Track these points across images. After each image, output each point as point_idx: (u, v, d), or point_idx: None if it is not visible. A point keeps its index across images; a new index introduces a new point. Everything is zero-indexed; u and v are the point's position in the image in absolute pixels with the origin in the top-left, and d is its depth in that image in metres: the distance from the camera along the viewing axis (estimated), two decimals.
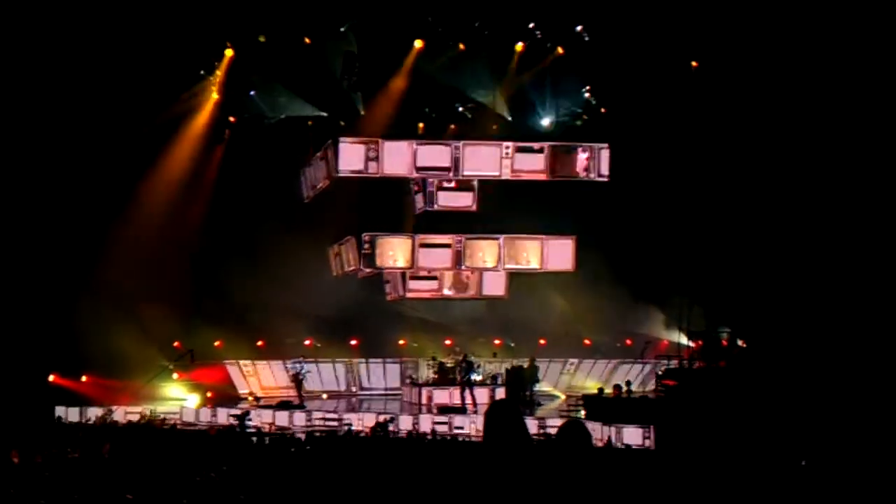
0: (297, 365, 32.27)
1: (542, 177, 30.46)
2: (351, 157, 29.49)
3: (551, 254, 31.49)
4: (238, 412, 27.71)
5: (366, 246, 30.11)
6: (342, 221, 32.57)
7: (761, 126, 29.18)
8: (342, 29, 29.99)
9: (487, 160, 30.08)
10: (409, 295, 32.28)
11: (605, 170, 30.51)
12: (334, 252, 32.96)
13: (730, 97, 29.76)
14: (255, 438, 22.61)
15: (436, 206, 30.79)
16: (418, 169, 29.85)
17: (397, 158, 29.61)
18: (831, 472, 13.55)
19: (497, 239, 31.10)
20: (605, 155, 30.61)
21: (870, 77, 26.80)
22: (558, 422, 22.94)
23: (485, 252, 31.13)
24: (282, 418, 28.12)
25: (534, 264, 31.59)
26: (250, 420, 26.84)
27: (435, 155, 29.92)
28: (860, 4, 26.50)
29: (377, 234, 30.45)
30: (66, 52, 27.57)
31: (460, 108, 34.66)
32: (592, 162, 30.40)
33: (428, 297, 32.66)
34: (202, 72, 31.60)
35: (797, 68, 27.84)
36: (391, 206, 31.99)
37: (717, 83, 30.26)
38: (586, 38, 31.50)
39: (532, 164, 30.33)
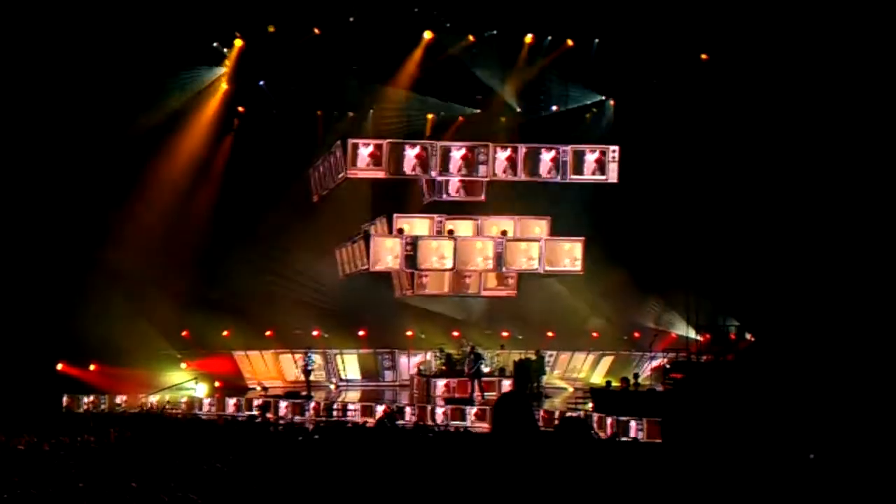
0: (306, 356, 32.34)
1: (515, 178, 30.14)
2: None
3: (558, 254, 31.20)
4: (260, 402, 27.86)
5: (408, 247, 29.77)
6: (348, 215, 32.53)
7: (772, 117, 29.08)
8: (351, 19, 29.91)
9: (464, 161, 29.71)
10: (417, 293, 32.18)
11: (613, 176, 30.04)
12: (342, 252, 32.74)
13: (738, 89, 29.67)
14: (279, 428, 22.64)
15: (444, 197, 30.61)
16: (391, 173, 29.39)
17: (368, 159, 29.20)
18: (840, 466, 13.53)
19: (539, 241, 30.76)
20: (612, 157, 30.18)
21: (881, 75, 26.68)
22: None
23: (525, 253, 30.73)
24: (290, 408, 28.15)
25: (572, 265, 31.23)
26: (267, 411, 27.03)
27: (411, 155, 29.50)
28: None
29: (419, 236, 30.07)
30: (77, 40, 27.58)
31: (469, 101, 34.67)
32: (558, 162, 29.87)
33: (436, 295, 32.55)
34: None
35: (806, 64, 27.74)
36: (397, 198, 31.85)
37: (727, 75, 30.17)
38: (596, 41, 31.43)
39: (506, 165, 29.90)
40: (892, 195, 26.51)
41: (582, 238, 30.92)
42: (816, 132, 28.00)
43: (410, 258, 29.84)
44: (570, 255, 30.96)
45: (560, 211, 31.43)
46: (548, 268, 30.89)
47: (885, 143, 26.77)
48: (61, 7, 27.11)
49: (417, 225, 30.72)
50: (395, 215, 30.26)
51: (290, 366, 33.70)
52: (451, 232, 30.53)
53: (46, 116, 28.40)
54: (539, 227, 31.42)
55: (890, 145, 26.64)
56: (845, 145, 27.36)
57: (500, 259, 30.43)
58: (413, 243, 29.78)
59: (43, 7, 26.95)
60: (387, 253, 29.95)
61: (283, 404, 28.40)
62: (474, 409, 27.14)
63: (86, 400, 28.37)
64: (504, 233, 30.94)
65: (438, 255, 30.20)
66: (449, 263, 30.18)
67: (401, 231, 30.07)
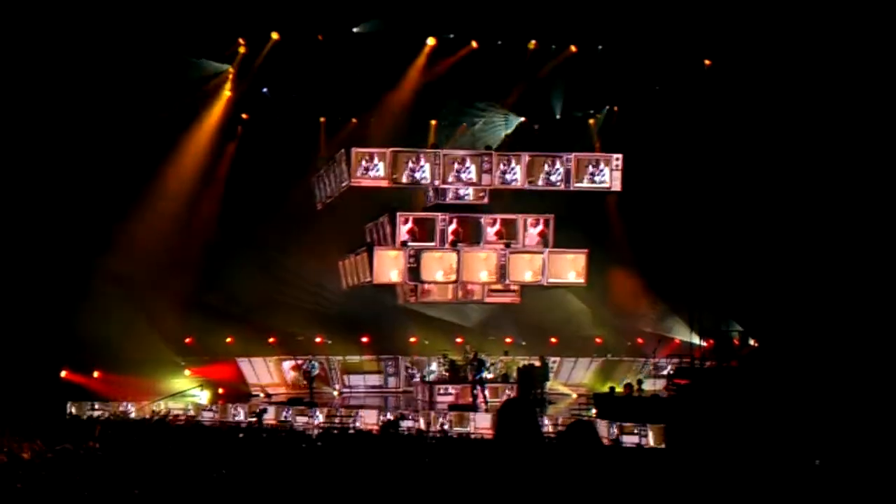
0: (308, 362, 32.34)
1: (518, 186, 30.05)
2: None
3: (562, 266, 31.07)
4: (256, 409, 27.83)
5: (411, 260, 29.68)
6: (352, 220, 32.47)
7: (775, 123, 29.06)
8: (355, 30, 29.94)
9: (468, 170, 29.61)
10: (420, 300, 32.12)
11: (616, 184, 29.93)
12: (345, 264, 32.66)
13: (741, 95, 29.65)
14: (265, 435, 22.63)
15: (448, 200, 30.52)
16: (394, 181, 29.29)
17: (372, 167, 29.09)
18: (845, 472, 13.49)
19: (542, 253, 30.67)
20: (615, 165, 30.02)
21: (885, 84, 26.64)
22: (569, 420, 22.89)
23: (528, 266, 30.60)
24: (293, 415, 28.13)
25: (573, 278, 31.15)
26: (267, 416, 27.05)
27: (415, 164, 29.37)
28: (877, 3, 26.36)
29: (422, 248, 29.99)
30: (81, 48, 27.61)
31: (472, 108, 34.67)
32: (562, 170, 29.75)
33: (439, 302, 32.52)
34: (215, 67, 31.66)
35: (809, 69, 27.71)
36: (400, 201, 31.77)
37: (730, 81, 30.15)
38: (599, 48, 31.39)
39: (510, 173, 29.74)
40: (893, 201, 26.47)
41: (586, 250, 30.81)
42: (819, 137, 27.97)
43: (413, 271, 29.75)
44: (574, 266, 30.82)
45: (563, 216, 31.35)
46: (551, 280, 30.79)
47: (886, 151, 26.74)
48: (63, 19, 27.12)
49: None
50: (398, 213, 30.06)
51: (293, 372, 33.73)
52: (453, 243, 30.35)
53: (51, 124, 28.41)
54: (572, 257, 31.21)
55: (891, 153, 26.61)
56: (848, 149, 27.32)
57: (503, 271, 30.33)
58: (416, 256, 29.69)
59: (44, 17, 26.98)
60: (390, 265, 29.85)
61: (286, 411, 28.40)
62: (478, 416, 27.13)
63: (89, 407, 28.33)
64: (507, 245, 30.77)
65: (442, 267, 30.09)
66: (452, 276, 30.10)
67: (404, 244, 29.93)
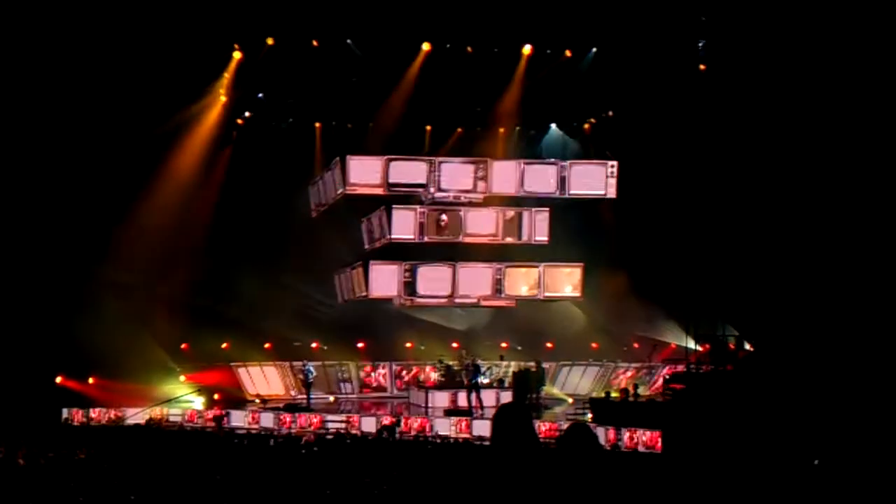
0: (304, 368, 32.32)
1: (514, 193, 29.99)
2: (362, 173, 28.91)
3: (557, 280, 31.05)
4: (213, 414, 27.86)
5: (406, 274, 29.60)
6: (348, 225, 32.41)
7: (771, 127, 29.07)
8: (349, 42, 29.96)
9: (463, 177, 29.55)
10: (416, 303, 32.08)
11: (611, 191, 29.86)
12: (341, 278, 32.59)
13: (736, 100, 29.66)
14: (266, 441, 22.64)
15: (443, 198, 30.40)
16: (391, 185, 29.14)
17: (367, 175, 29.02)
18: (842, 475, 13.51)
19: (537, 267, 30.63)
20: (610, 172, 29.97)
21: (883, 89, 26.64)
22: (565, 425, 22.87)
23: (524, 280, 30.60)
24: (290, 420, 28.12)
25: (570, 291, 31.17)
26: (227, 421, 27.16)
27: (410, 171, 29.31)
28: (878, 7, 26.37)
29: (418, 262, 29.90)
30: (75, 54, 27.60)
31: (468, 113, 34.67)
32: (558, 177, 29.71)
33: (434, 305, 32.47)
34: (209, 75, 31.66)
35: (806, 72, 27.72)
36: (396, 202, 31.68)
37: (725, 86, 30.16)
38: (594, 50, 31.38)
39: (505, 180, 29.64)
40: (889, 205, 26.50)
41: (581, 264, 30.77)
42: (814, 142, 27.97)
43: (409, 285, 29.69)
44: (570, 280, 30.81)
45: (558, 223, 31.33)
46: (547, 293, 30.77)
47: (882, 157, 26.75)
48: (66, 18, 27.10)
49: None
50: (393, 206, 29.80)
51: (289, 378, 33.72)
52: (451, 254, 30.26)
53: (47, 131, 28.41)
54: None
55: (886, 158, 26.63)
56: (843, 155, 27.34)
57: (499, 286, 30.29)
58: (412, 270, 29.62)
59: (42, 23, 26.97)
60: (386, 280, 29.76)
61: (283, 416, 28.39)
62: (473, 421, 27.10)
63: (84, 413, 28.30)
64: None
65: (438, 282, 30.01)
66: (448, 291, 30.08)
67: (400, 249, 29.81)
